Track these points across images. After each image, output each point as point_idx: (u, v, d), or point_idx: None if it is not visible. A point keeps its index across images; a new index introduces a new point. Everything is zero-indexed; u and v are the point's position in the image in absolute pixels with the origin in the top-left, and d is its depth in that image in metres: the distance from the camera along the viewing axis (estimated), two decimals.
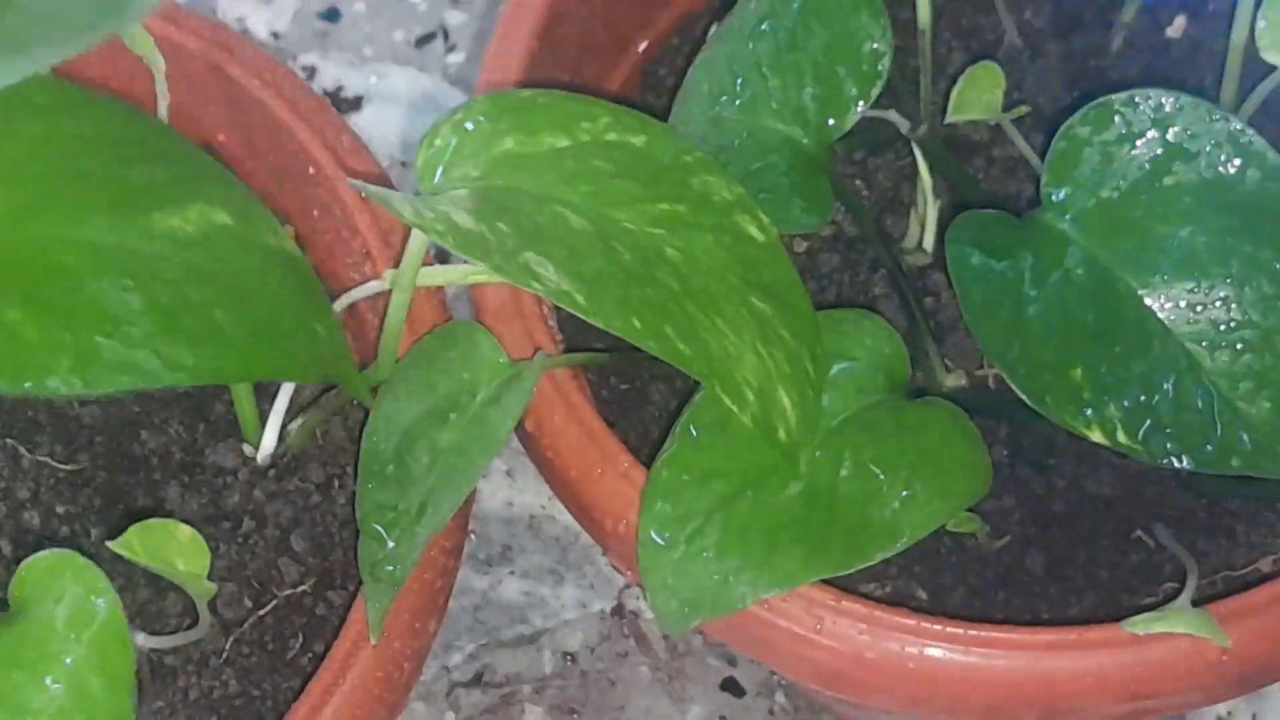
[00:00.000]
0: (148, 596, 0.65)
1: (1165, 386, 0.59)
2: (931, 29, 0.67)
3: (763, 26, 0.68)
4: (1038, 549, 0.65)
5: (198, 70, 0.72)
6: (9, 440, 0.68)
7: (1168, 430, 0.59)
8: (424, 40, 0.92)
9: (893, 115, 0.69)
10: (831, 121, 0.66)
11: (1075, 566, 0.65)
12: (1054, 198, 0.62)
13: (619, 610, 0.80)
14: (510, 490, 0.80)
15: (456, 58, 0.91)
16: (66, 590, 0.55)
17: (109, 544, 0.58)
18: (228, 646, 0.64)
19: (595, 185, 0.59)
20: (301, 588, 0.65)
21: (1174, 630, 0.58)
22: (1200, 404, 0.59)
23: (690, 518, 0.60)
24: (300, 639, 0.65)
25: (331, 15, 0.93)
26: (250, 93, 0.71)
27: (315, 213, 0.70)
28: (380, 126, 0.89)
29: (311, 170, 0.70)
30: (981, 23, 0.76)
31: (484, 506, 0.79)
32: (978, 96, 0.66)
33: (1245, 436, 0.58)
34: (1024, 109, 0.69)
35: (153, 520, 0.59)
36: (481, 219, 0.55)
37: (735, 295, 0.59)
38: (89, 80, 0.72)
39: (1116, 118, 0.61)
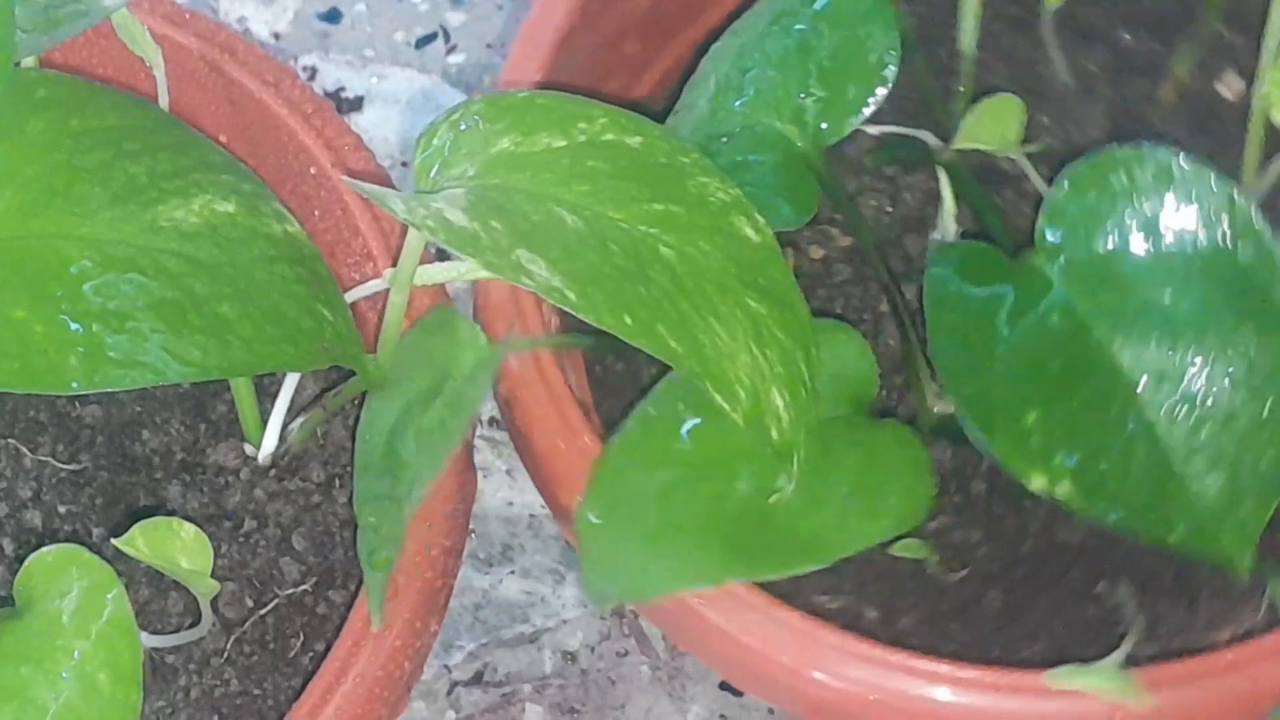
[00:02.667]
0: (149, 596, 0.65)
1: (1118, 448, 0.58)
2: (975, 54, 0.66)
3: (775, 25, 0.68)
4: (999, 587, 0.65)
5: (199, 71, 0.72)
6: (11, 440, 0.68)
7: (1112, 491, 0.58)
8: (424, 41, 0.92)
9: (927, 135, 0.68)
10: (825, 125, 0.66)
11: (1033, 611, 0.64)
12: (1048, 239, 0.61)
13: (619, 609, 0.80)
14: (511, 490, 0.80)
15: (457, 58, 0.91)
16: (73, 584, 0.55)
17: (114, 541, 0.58)
18: (229, 645, 0.64)
19: (591, 185, 0.59)
20: (302, 587, 0.65)
21: (1091, 688, 0.57)
22: (1149, 472, 0.58)
23: (629, 501, 0.60)
24: (301, 638, 0.65)
25: (332, 16, 0.93)
26: (251, 93, 0.71)
27: (316, 213, 0.70)
28: (381, 127, 0.89)
29: (312, 170, 0.70)
30: (1033, 55, 0.75)
31: (484, 506, 0.79)
32: (993, 127, 0.65)
33: (1188, 513, 0.58)
34: (1038, 145, 0.68)
35: (157, 518, 0.59)
36: (475, 216, 0.55)
37: (730, 295, 0.59)
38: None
39: (1122, 171, 0.60)
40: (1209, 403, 0.58)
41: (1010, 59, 0.75)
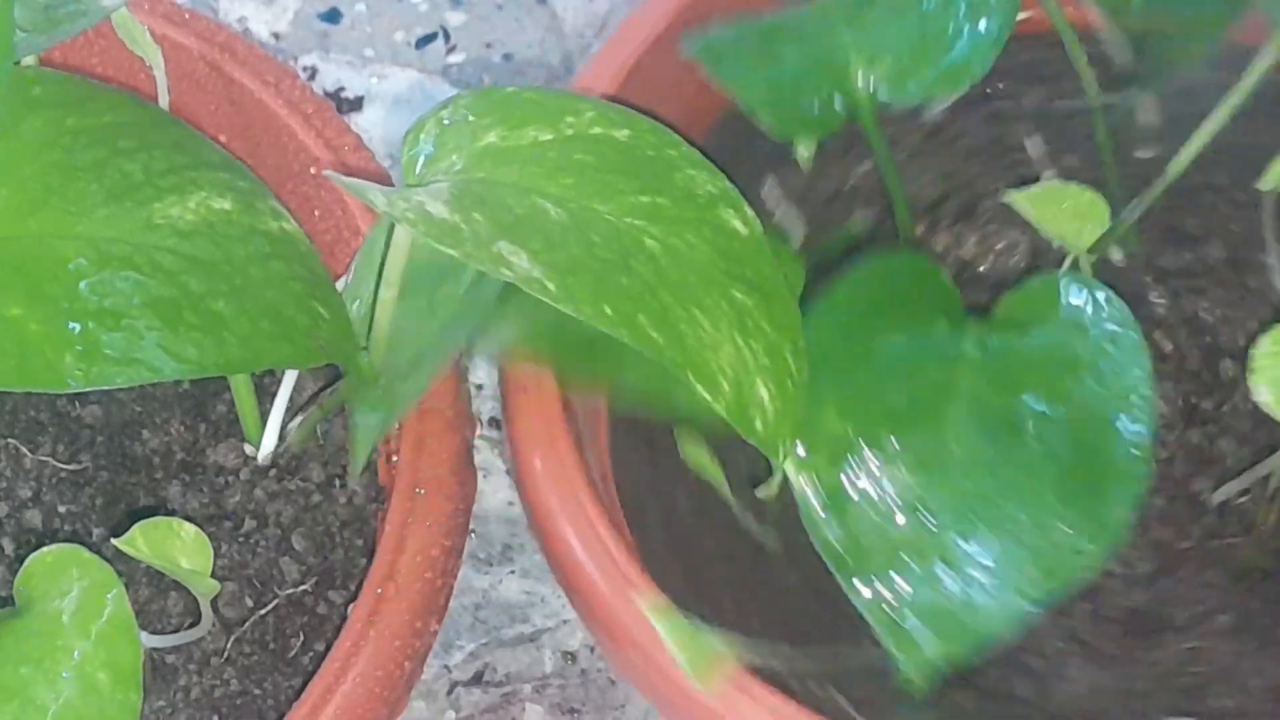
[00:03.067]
0: (149, 596, 0.65)
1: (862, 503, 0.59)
2: (1176, 181, 0.65)
3: None
4: (807, 578, 0.65)
5: (199, 71, 0.72)
6: (11, 440, 0.68)
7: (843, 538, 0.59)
8: (424, 41, 0.92)
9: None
10: (882, 81, 0.65)
11: (810, 618, 0.64)
12: (996, 317, 0.62)
13: None
14: (511, 490, 0.80)
15: (457, 58, 0.91)
16: (73, 584, 0.55)
17: (114, 541, 0.58)
18: (229, 645, 0.64)
19: (577, 178, 0.59)
20: (302, 587, 0.65)
21: (669, 632, 0.59)
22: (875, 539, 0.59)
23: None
24: (301, 638, 0.65)
25: (332, 16, 0.93)
26: (251, 93, 0.71)
27: (316, 213, 0.70)
28: (381, 127, 0.89)
29: (312, 170, 0.70)
30: (1248, 231, 0.72)
31: (485, 506, 0.79)
32: (1071, 218, 0.63)
33: (882, 606, 0.58)
34: (1091, 258, 0.65)
35: (157, 518, 0.59)
36: (457, 209, 0.55)
37: (715, 287, 0.59)
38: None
39: (1075, 295, 0.61)
40: (963, 528, 0.59)
41: (1221, 212, 0.73)
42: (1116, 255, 0.70)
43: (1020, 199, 0.63)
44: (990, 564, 0.58)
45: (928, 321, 0.62)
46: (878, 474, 0.59)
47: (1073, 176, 0.68)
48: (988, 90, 0.75)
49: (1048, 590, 0.57)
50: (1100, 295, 0.61)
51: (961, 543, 0.58)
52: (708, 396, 0.57)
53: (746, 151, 0.70)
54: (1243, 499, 0.66)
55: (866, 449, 0.59)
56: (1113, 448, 0.59)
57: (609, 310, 0.55)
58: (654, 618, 0.59)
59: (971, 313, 0.63)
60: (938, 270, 0.64)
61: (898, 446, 0.59)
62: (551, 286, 0.54)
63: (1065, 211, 0.63)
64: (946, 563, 0.58)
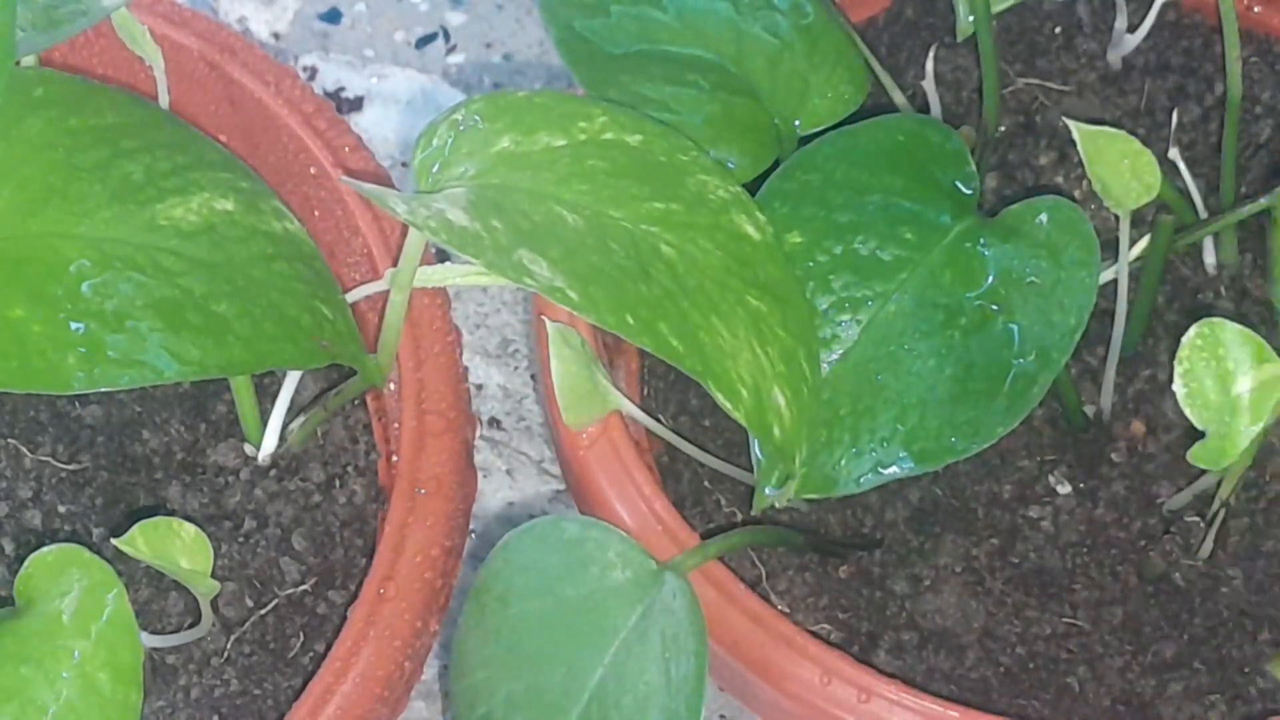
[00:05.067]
0: (149, 596, 0.65)
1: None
2: (1239, 104, 0.66)
3: None
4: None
5: (199, 71, 0.72)
6: (11, 440, 0.68)
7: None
8: (424, 41, 0.92)
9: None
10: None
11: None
12: (1029, 223, 0.63)
13: None
14: (511, 490, 0.79)
15: (457, 58, 0.91)
16: (73, 584, 0.55)
17: (114, 541, 0.58)
18: (229, 645, 0.64)
19: (591, 184, 0.59)
20: (302, 587, 0.65)
21: None
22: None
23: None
24: (301, 638, 0.65)
25: (332, 16, 0.93)
26: (251, 93, 0.71)
27: (316, 213, 0.70)
28: (381, 127, 0.89)
29: (312, 170, 0.70)
30: None
31: (484, 506, 0.79)
32: (1128, 173, 0.62)
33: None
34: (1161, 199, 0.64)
35: (157, 518, 0.59)
36: (476, 216, 0.55)
37: (731, 293, 0.59)
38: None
39: (1062, 225, 0.62)
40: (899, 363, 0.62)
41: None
42: (1209, 258, 0.70)
43: (1079, 129, 0.62)
44: (869, 428, 0.61)
45: (932, 194, 0.63)
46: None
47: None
48: None
49: (906, 469, 0.61)
50: (1084, 230, 0.62)
51: (851, 400, 0.62)
52: (727, 405, 0.57)
53: None
54: (1194, 517, 0.66)
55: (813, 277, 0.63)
56: (1013, 370, 0.61)
57: (631, 320, 0.55)
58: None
59: (982, 212, 0.65)
60: (966, 155, 0.64)
61: (839, 286, 0.62)
62: (574, 295, 0.54)
63: (1120, 165, 0.62)
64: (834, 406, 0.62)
